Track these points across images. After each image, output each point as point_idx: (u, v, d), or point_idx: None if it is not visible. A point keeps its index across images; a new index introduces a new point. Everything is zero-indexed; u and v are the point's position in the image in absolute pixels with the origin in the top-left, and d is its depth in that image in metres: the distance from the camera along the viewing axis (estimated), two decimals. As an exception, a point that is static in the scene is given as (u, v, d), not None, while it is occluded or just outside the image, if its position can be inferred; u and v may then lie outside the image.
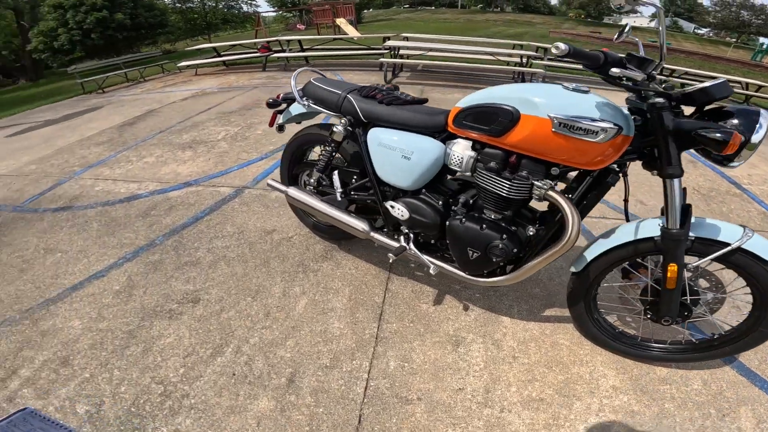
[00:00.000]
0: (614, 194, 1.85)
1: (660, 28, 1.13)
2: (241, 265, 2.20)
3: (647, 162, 1.27)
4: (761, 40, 21.12)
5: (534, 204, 1.56)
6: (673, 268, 1.24)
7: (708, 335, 1.54)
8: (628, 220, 1.42)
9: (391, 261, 1.70)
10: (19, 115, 7.01)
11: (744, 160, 1.11)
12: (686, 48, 18.84)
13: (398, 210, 1.63)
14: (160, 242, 2.45)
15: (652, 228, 1.29)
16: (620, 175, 1.31)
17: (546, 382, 1.49)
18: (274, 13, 29.36)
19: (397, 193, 1.71)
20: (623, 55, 1.18)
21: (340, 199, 1.86)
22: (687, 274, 1.33)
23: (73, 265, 2.31)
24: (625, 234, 1.34)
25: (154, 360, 1.65)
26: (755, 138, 1.06)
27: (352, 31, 15.37)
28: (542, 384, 1.49)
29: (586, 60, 1.13)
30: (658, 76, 1.21)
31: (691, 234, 1.25)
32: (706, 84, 1.08)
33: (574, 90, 1.24)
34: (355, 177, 1.88)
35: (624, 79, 1.16)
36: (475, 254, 1.48)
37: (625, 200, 1.43)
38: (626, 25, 1.20)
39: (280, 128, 2.09)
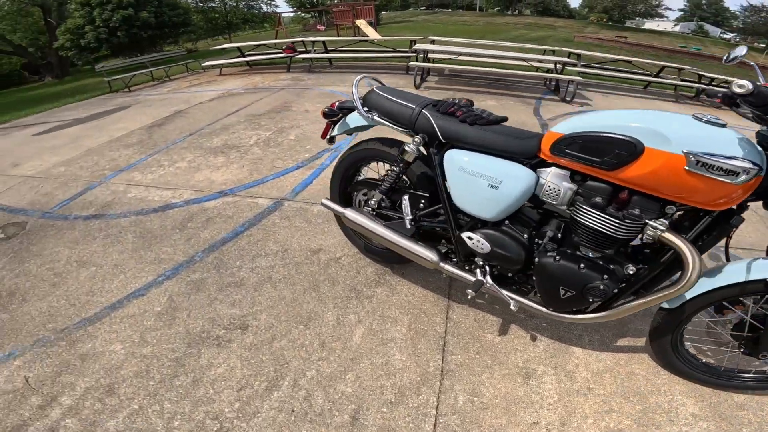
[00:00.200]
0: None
1: None
2: (288, 288, 2.06)
3: None
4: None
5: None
6: None
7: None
8: (728, 260, 1.31)
9: (469, 297, 1.57)
10: (45, 113, 7.03)
11: None
12: (714, 53, 18.23)
13: (477, 242, 1.48)
14: (200, 259, 2.32)
15: (763, 269, 1.21)
16: (742, 216, 1.19)
17: (623, 413, 1.43)
18: (291, 14, 29.47)
19: (475, 223, 1.54)
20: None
21: (409, 226, 1.68)
22: None
23: (109, 281, 2.19)
24: (733, 274, 1.25)
25: (206, 392, 1.53)
26: None
27: (372, 33, 15.24)
28: (620, 414, 1.42)
29: None
30: None
31: None
32: None
33: (708, 122, 1.09)
34: (422, 202, 1.71)
35: None
36: (568, 293, 1.36)
37: (728, 238, 1.27)
38: (741, 48, 1.17)
39: (331, 140, 1.94)
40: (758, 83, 1.04)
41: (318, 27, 22.64)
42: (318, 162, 3.49)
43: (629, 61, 8.02)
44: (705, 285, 1.26)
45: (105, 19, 13.15)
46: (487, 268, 1.55)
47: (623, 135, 1.13)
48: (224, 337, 1.78)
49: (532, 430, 1.36)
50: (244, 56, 9.32)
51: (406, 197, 1.70)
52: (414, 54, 7.64)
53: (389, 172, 1.73)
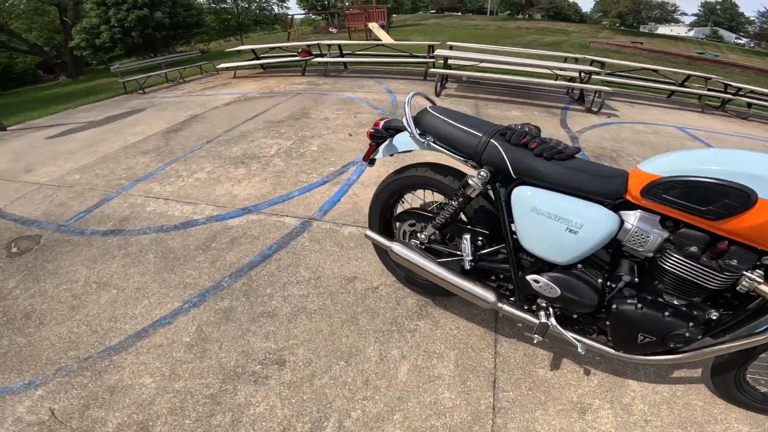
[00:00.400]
0: None
1: None
2: (325, 320, 1.92)
3: None
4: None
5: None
6: None
7: None
8: None
9: (535, 342, 1.49)
10: (59, 114, 6.96)
11: None
12: (732, 60, 17.83)
13: (545, 286, 1.35)
14: (227, 285, 2.17)
15: None
16: None
17: (680, 442, 1.37)
18: (301, 16, 29.50)
19: (541, 265, 1.39)
20: None
21: (468, 267, 1.53)
22: None
23: (133, 306, 2.06)
24: None
25: (247, 433, 1.39)
26: None
27: (384, 36, 15.11)
28: (676, 444, 1.37)
29: None
30: None
31: None
32: None
33: None
34: (480, 240, 1.55)
35: None
36: (647, 339, 1.28)
37: None
38: None
39: (372, 161, 1.77)
40: None
41: (330, 29, 22.59)
42: (344, 177, 3.33)
43: (655, 70, 7.78)
44: None
45: (120, 18, 13.17)
46: (551, 309, 1.43)
47: (735, 183, 0.99)
48: (261, 373, 1.67)
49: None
50: (259, 59, 9.22)
51: (467, 236, 1.54)
52: (432, 60, 7.48)
53: (446, 205, 1.56)
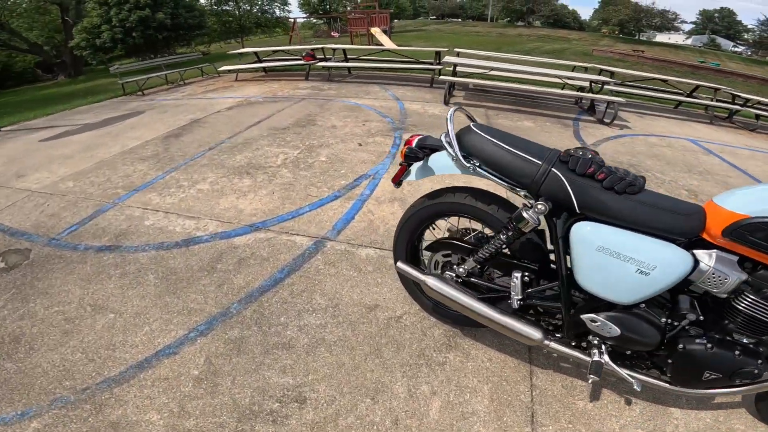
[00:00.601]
0: None
1: None
2: (347, 353, 1.77)
3: None
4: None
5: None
6: None
7: None
8: None
9: (590, 381, 1.36)
10: (56, 115, 6.77)
11: None
12: (733, 69, 17.86)
13: (603, 326, 1.26)
14: (236, 311, 2.00)
15: None
16: None
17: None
18: (302, 20, 29.45)
19: (597, 304, 1.27)
20: None
21: (516, 306, 1.38)
22: None
23: (133, 333, 1.88)
24: None
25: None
26: None
27: (386, 41, 15.04)
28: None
29: None
30: None
31: None
32: None
33: None
34: (527, 275, 1.40)
35: None
36: (712, 376, 1.22)
37: None
38: None
39: (400, 183, 1.60)
40: None
41: (332, 34, 22.53)
42: (356, 192, 3.14)
43: (665, 80, 7.68)
44: None
45: (122, 18, 13.02)
46: (603, 347, 1.33)
47: None
48: (280, 412, 1.52)
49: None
50: (261, 62, 9.07)
51: (518, 274, 1.38)
52: (440, 67, 7.35)
53: (490, 238, 1.40)
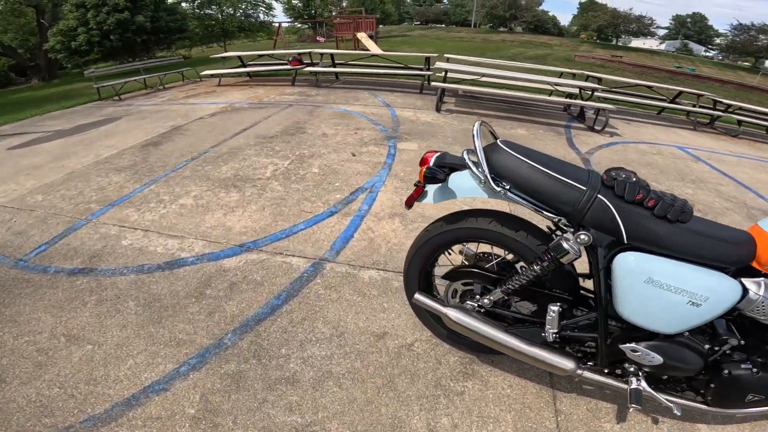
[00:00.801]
0: None
1: None
2: (357, 386, 1.62)
3: None
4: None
5: None
6: None
7: None
8: None
9: (630, 410, 1.36)
10: (27, 121, 6.40)
11: None
12: (707, 73, 18.46)
13: (645, 355, 1.20)
14: (231, 343, 1.81)
15: None
16: None
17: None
18: (286, 24, 29.17)
19: (637, 333, 1.22)
20: None
21: (551, 339, 1.32)
22: None
23: (115, 366, 1.70)
24: None
25: None
26: None
27: (372, 46, 14.97)
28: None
29: None
30: None
31: None
32: None
33: None
34: (560, 305, 1.29)
35: None
36: (756, 398, 1.21)
37: None
38: None
39: (412, 205, 1.44)
40: None
41: (318, 38, 22.34)
42: (354, 207, 2.97)
43: (650, 87, 7.79)
44: None
45: (99, 21, 12.55)
46: (641, 373, 1.28)
47: None
48: None
49: None
50: (246, 66, 8.82)
51: (555, 308, 1.27)
52: (430, 72, 7.27)
53: (527, 271, 1.26)
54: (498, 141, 1.23)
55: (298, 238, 2.56)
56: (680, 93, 7.83)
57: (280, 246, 2.49)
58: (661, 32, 49.43)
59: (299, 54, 8.40)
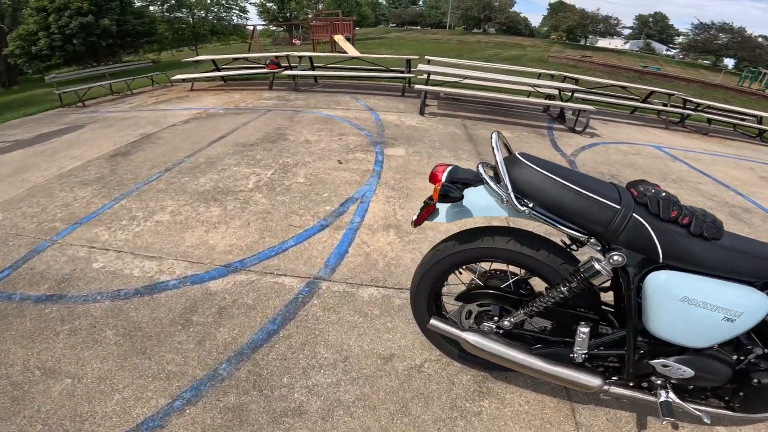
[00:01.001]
0: None
1: None
2: (369, 414, 1.52)
3: None
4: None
5: None
6: None
7: None
8: None
9: (664, 423, 1.33)
10: (-19, 131, 5.90)
11: None
12: (671, 72, 19.25)
13: (676, 369, 1.19)
14: (227, 373, 1.66)
15: None
16: None
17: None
18: (261, 27, 28.64)
19: (668, 349, 1.20)
20: None
21: (580, 360, 1.28)
22: None
23: (100, 402, 1.53)
24: None
25: None
26: None
27: (350, 49, 14.84)
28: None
29: None
30: None
31: None
32: None
33: None
34: (589, 325, 1.24)
35: None
36: None
37: None
38: None
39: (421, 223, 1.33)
40: None
41: (294, 41, 21.99)
42: (345, 219, 2.83)
43: (624, 87, 8.01)
44: None
45: (61, 25, 11.93)
46: (668, 385, 1.27)
47: None
48: None
49: None
50: (220, 70, 8.51)
51: (585, 329, 1.23)
52: (411, 75, 7.22)
53: (553, 292, 1.19)
54: (516, 153, 1.14)
55: (289, 256, 2.40)
56: (652, 93, 8.08)
57: (270, 265, 2.32)
58: (626, 32, 51.33)
59: (277, 57, 8.17)
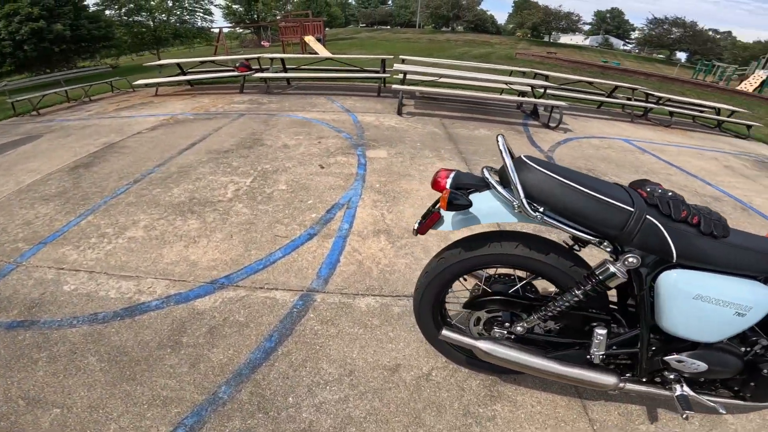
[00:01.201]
0: None
1: None
2: (382, 428, 1.48)
3: None
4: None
5: None
6: None
7: None
8: None
9: (685, 417, 1.29)
10: None
11: None
12: (630, 67, 20.14)
13: (690, 364, 1.23)
14: (228, 396, 1.56)
15: None
16: None
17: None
18: (227, 29, 27.84)
19: (681, 345, 1.24)
20: None
21: (597, 362, 1.29)
22: None
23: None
24: None
25: None
26: None
27: (321, 50, 14.66)
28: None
29: None
30: None
31: None
32: None
33: None
34: (604, 326, 1.25)
35: None
36: None
37: None
38: None
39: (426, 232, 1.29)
40: None
41: (263, 43, 21.50)
42: (333, 226, 2.73)
43: (590, 83, 8.28)
44: None
45: (11, 32, 11.15)
46: (682, 379, 1.31)
47: None
48: None
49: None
50: (186, 74, 8.18)
51: (602, 331, 1.23)
52: (387, 75, 7.18)
53: (569, 296, 1.19)
54: (522, 156, 1.11)
55: (278, 268, 2.29)
56: (616, 87, 8.39)
57: (259, 279, 2.20)
58: (586, 28, 53.30)
59: (247, 59, 7.93)
